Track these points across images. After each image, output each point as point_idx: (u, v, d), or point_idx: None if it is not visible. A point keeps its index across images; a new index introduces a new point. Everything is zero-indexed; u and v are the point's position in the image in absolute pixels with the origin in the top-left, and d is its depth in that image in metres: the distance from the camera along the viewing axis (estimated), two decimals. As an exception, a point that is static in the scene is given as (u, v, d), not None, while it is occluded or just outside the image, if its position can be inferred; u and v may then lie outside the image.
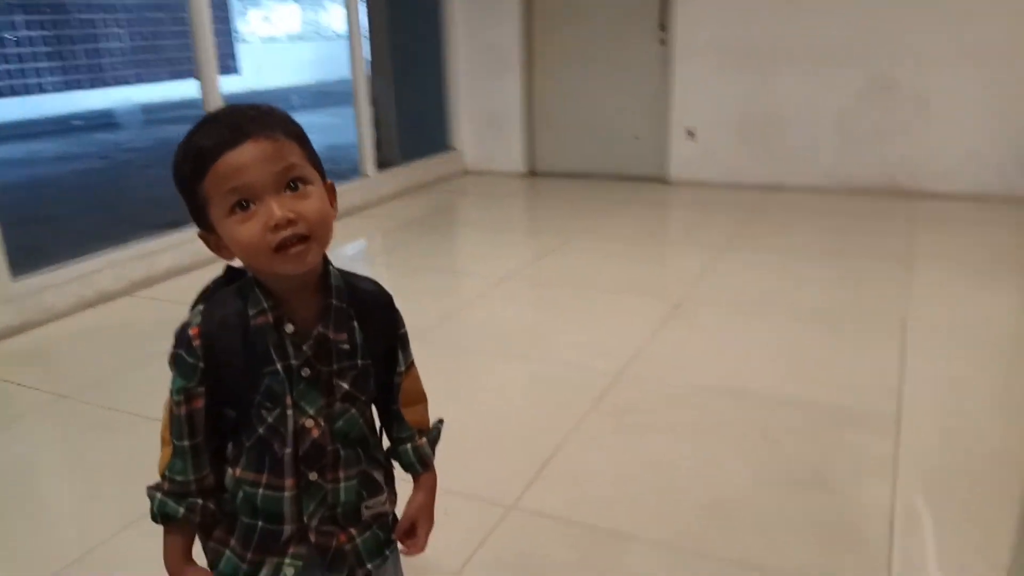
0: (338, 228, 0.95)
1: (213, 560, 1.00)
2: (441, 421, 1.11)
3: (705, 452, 2.16)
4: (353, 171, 5.36)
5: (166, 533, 0.99)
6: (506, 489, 1.99)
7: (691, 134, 5.48)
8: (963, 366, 2.65)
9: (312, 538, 0.98)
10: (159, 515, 0.97)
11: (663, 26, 5.40)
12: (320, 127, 9.00)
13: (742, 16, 5.16)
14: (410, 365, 1.05)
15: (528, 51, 5.91)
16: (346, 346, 0.96)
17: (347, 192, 4.91)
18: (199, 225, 0.94)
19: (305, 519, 0.97)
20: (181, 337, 0.94)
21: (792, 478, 2.02)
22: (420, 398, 1.08)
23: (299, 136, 0.92)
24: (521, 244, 4.50)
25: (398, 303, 1.03)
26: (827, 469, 2.05)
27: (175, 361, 0.94)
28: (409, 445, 1.07)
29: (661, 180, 5.68)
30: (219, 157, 0.86)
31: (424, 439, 1.08)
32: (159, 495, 0.96)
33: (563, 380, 2.62)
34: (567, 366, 2.73)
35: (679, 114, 5.49)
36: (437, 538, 1.10)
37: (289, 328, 0.93)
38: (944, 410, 2.36)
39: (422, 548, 1.07)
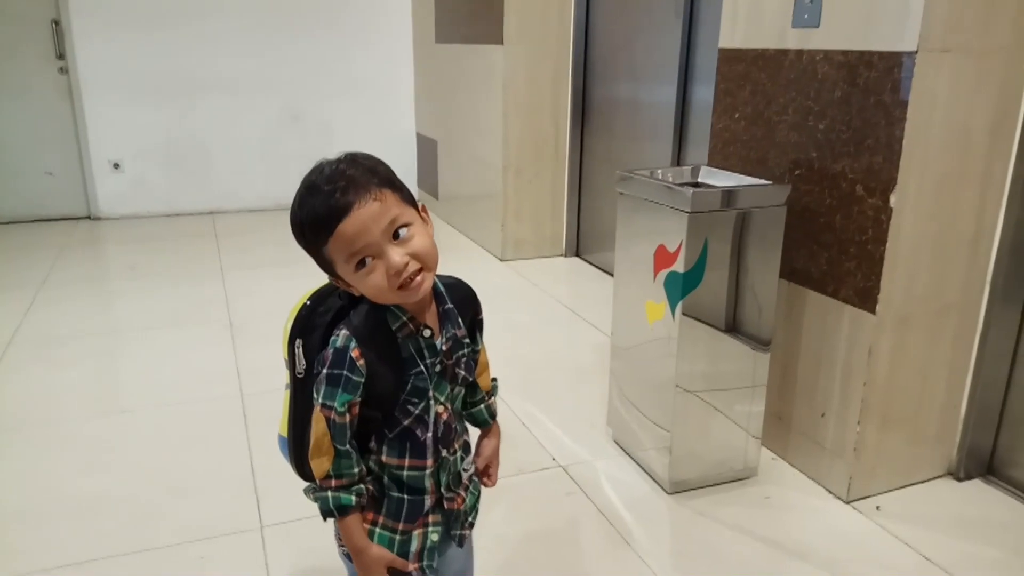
0: None
1: None
2: (495, 379, 1.31)
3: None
4: None
5: (343, 522, 1.07)
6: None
7: (116, 166, 5.25)
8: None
9: (445, 505, 1.16)
10: (336, 509, 1.06)
11: (61, 55, 5.00)
12: None
13: (148, 48, 5.15)
14: (482, 342, 1.24)
15: None
16: (467, 339, 1.15)
17: None
18: (327, 274, 1.06)
19: (442, 490, 1.14)
20: (340, 359, 1.03)
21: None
22: (486, 366, 1.28)
23: (390, 180, 1.04)
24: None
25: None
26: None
27: (340, 381, 1.03)
28: (483, 405, 1.27)
29: (87, 217, 5.29)
30: (335, 228, 0.99)
31: (492, 398, 1.29)
32: (330, 492, 1.05)
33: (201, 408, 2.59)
34: (205, 400, 2.67)
35: (99, 146, 5.19)
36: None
37: (427, 333, 1.09)
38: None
39: (495, 482, 1.28)
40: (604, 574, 1.84)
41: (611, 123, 4.20)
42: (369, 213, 0.99)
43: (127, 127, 5.22)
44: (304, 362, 1.09)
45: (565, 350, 3.18)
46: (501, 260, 4.39)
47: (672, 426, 2.12)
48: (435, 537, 1.15)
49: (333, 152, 1.07)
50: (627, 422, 2.35)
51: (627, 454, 2.35)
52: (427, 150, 5.66)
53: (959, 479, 2.20)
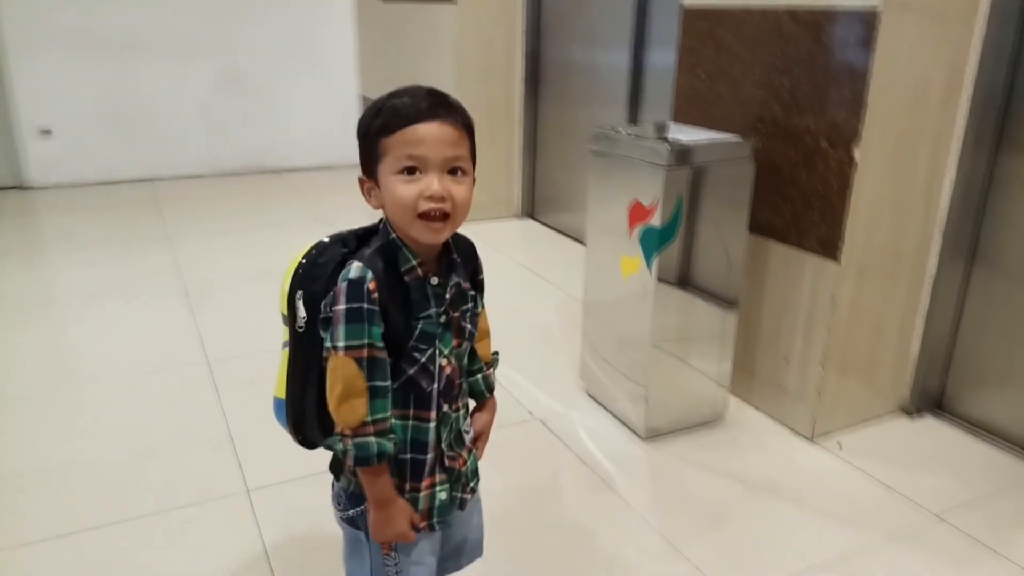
0: None
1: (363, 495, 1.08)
2: (497, 352, 1.28)
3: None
4: None
5: (374, 473, 1.03)
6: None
7: (47, 132, 5.00)
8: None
9: (446, 463, 1.12)
10: (376, 456, 1.01)
11: (-19, 11, 4.71)
12: None
13: (80, 4, 4.91)
14: (483, 305, 1.21)
15: None
16: (472, 292, 1.13)
17: None
18: (364, 171, 1.05)
19: (443, 447, 1.11)
20: (358, 292, 0.98)
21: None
22: (487, 333, 1.25)
23: (472, 132, 1.05)
24: None
25: None
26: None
27: (365, 315, 0.98)
28: (480, 376, 1.23)
29: (18, 187, 5.04)
30: (411, 124, 0.99)
31: (491, 370, 1.25)
32: (373, 439, 1.01)
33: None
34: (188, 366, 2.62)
35: (27, 111, 4.94)
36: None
37: (434, 280, 1.06)
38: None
39: (480, 457, 1.23)
40: (590, 517, 1.91)
41: (564, 86, 4.22)
42: (445, 133, 1.00)
43: (58, 90, 4.97)
44: (305, 314, 1.06)
45: (529, 309, 3.22)
46: (456, 223, 4.39)
47: (647, 376, 2.20)
48: (443, 496, 1.13)
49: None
50: (599, 375, 2.42)
51: (601, 405, 2.42)
52: (374, 114, 5.57)
53: (911, 415, 2.36)
